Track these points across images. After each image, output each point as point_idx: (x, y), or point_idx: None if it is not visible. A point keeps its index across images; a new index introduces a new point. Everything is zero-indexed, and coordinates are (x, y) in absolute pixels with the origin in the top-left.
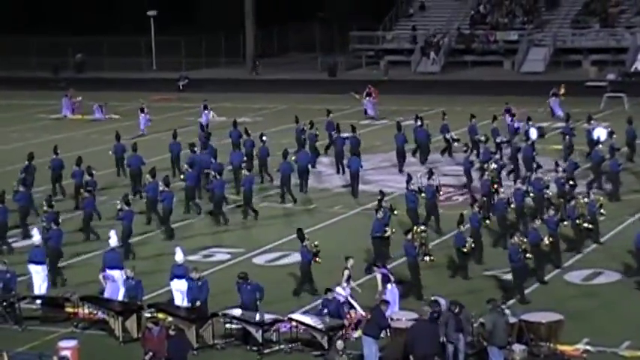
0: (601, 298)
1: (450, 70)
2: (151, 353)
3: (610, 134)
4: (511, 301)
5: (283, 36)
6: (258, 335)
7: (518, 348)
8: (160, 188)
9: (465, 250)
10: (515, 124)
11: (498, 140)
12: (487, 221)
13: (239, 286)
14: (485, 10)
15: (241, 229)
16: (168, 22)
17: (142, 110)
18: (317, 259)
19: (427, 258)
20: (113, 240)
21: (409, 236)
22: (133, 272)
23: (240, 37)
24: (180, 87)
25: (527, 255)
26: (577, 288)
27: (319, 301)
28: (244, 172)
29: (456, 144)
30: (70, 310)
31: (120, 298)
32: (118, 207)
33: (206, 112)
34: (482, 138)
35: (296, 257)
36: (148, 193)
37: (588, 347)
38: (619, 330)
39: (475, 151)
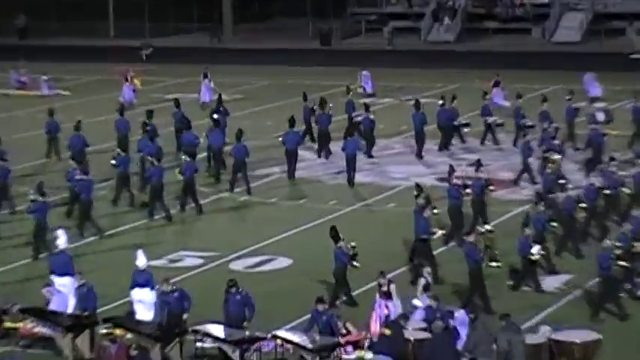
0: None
1: (467, 39)
2: None
3: None
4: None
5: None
6: (235, 356)
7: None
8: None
9: (534, 257)
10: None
11: (523, 123)
12: (554, 223)
13: (227, 296)
14: None
15: (214, 228)
16: None
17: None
18: (355, 262)
19: (494, 264)
20: (61, 240)
21: (471, 237)
22: (84, 279)
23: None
24: (144, 57)
25: (621, 262)
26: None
27: (309, 316)
28: (184, 157)
29: (466, 129)
30: (9, 324)
31: (69, 310)
32: (31, 197)
33: (206, 80)
34: (530, 123)
35: (281, 262)
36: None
37: None
38: None
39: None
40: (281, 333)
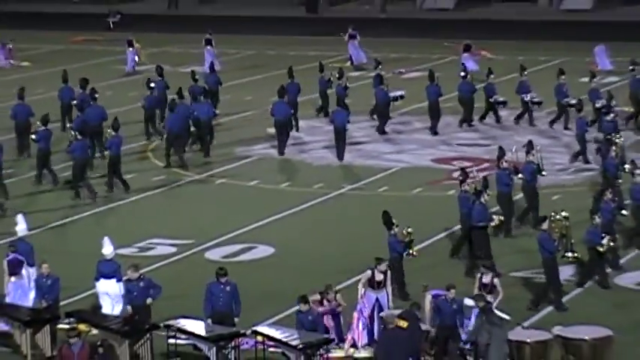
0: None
1: (468, 6)
2: None
3: None
4: None
5: None
6: (211, 354)
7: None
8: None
9: (603, 249)
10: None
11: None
12: (624, 212)
13: (211, 286)
14: None
15: (188, 213)
16: None
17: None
18: (412, 251)
19: (569, 254)
20: (21, 227)
21: (545, 225)
22: (49, 269)
23: None
24: (111, 25)
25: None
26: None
27: (293, 309)
28: (110, 131)
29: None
30: None
31: (29, 303)
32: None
33: (209, 48)
34: (574, 101)
35: (262, 251)
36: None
37: None
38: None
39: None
40: (262, 329)
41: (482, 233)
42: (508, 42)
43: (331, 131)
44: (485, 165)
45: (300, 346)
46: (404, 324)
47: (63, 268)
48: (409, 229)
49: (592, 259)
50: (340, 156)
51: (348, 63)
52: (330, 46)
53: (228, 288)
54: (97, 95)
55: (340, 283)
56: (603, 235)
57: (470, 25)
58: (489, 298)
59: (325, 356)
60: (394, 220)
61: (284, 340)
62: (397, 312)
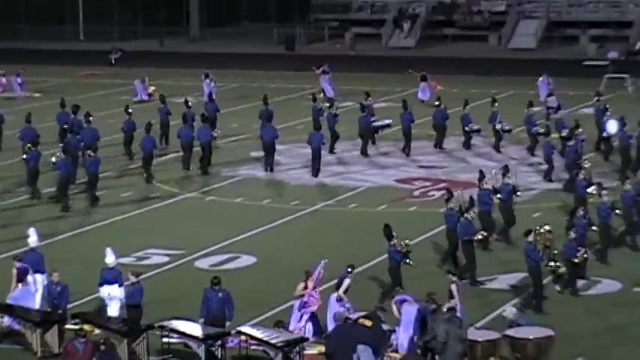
0: (595, 309)
1: (427, 45)
2: None
3: (622, 125)
4: None
5: (233, 2)
6: (200, 351)
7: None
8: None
9: (577, 260)
10: (555, 103)
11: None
12: (594, 227)
13: (207, 292)
14: None
15: (180, 226)
16: None
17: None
18: (408, 260)
19: (552, 263)
20: (32, 239)
21: (530, 237)
22: (59, 277)
23: (182, 3)
24: (112, 60)
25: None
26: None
27: (274, 311)
28: (89, 152)
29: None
30: None
31: (36, 306)
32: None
33: (207, 81)
34: (542, 130)
35: (245, 260)
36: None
37: None
38: (618, 348)
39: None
40: (245, 329)
41: (468, 246)
42: (462, 77)
43: (305, 154)
44: (442, 184)
45: (279, 344)
46: (368, 323)
47: (69, 275)
48: (407, 241)
49: (570, 270)
50: (315, 173)
51: (321, 95)
52: (306, 79)
53: (220, 295)
54: (91, 118)
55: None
56: (579, 248)
57: (429, 62)
58: (453, 302)
59: (301, 353)
60: (394, 233)
61: (265, 339)
62: (345, 312)
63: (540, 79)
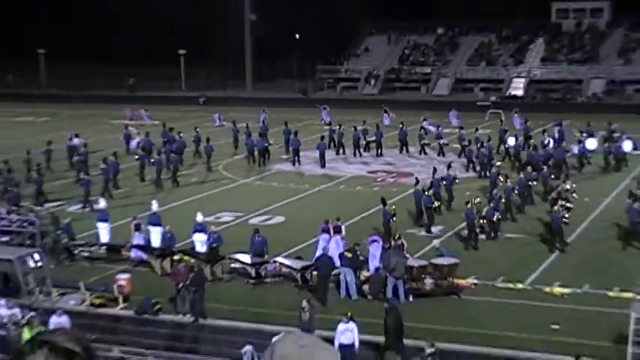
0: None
1: (385, 93)
2: (180, 284)
3: (516, 139)
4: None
5: (273, 67)
6: (252, 271)
7: (428, 282)
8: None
9: (494, 220)
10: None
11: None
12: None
13: (252, 237)
14: (409, 52)
15: (240, 199)
16: (194, 57)
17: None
18: (394, 219)
19: (482, 221)
20: (154, 206)
21: (469, 205)
22: (170, 229)
23: (242, 67)
24: (201, 102)
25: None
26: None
27: (294, 249)
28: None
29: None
30: (124, 254)
31: (157, 244)
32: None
33: (264, 114)
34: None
35: (277, 219)
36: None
37: (475, 281)
38: (499, 268)
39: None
40: (279, 259)
41: (429, 210)
42: (404, 112)
43: (314, 156)
44: (394, 174)
45: (299, 268)
46: (349, 254)
47: (175, 227)
48: (394, 206)
49: (489, 226)
50: (323, 166)
51: (323, 122)
52: (314, 114)
53: (259, 239)
54: (182, 134)
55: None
56: (495, 213)
57: (387, 102)
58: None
59: (311, 273)
60: (387, 202)
61: (290, 265)
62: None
63: (450, 113)
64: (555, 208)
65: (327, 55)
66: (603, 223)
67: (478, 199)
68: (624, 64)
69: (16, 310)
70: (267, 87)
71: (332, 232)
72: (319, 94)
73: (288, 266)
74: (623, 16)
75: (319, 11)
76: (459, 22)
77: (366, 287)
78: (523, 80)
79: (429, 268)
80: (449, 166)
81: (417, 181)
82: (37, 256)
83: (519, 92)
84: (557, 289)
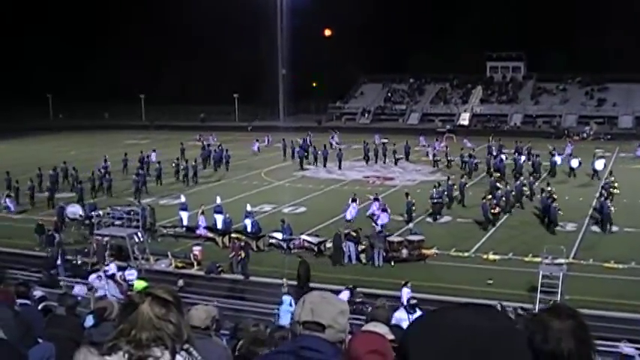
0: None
1: (375, 122)
2: (234, 253)
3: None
4: None
5: (297, 105)
6: (284, 245)
7: (404, 252)
8: None
9: (495, 212)
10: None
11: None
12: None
13: (282, 224)
14: (391, 94)
15: (276, 194)
16: (245, 98)
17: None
18: (414, 207)
19: (493, 211)
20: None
21: (484, 200)
22: (229, 215)
23: (277, 105)
24: (249, 129)
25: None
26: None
27: (314, 229)
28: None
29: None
30: (198, 232)
31: (220, 226)
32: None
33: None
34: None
35: (301, 209)
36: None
37: (436, 251)
38: (454, 242)
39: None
40: (303, 236)
41: (436, 205)
42: (394, 135)
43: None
44: (381, 179)
45: (318, 242)
46: (354, 234)
47: (233, 214)
48: (413, 200)
49: (492, 215)
50: (340, 168)
51: (332, 141)
52: (325, 137)
53: (286, 225)
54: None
55: (322, 224)
56: (496, 207)
57: (376, 130)
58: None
59: (325, 245)
60: (379, 196)
61: (310, 240)
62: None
63: (420, 138)
64: (543, 194)
65: (335, 96)
66: (523, 212)
67: (490, 195)
68: (535, 104)
69: (130, 270)
70: (294, 119)
71: (374, 202)
72: (329, 123)
73: (309, 242)
74: (533, 72)
75: (330, 67)
76: (425, 75)
77: (362, 256)
78: (468, 114)
79: (405, 242)
80: (462, 176)
81: (407, 195)
82: (139, 234)
83: (465, 122)
84: (492, 256)
